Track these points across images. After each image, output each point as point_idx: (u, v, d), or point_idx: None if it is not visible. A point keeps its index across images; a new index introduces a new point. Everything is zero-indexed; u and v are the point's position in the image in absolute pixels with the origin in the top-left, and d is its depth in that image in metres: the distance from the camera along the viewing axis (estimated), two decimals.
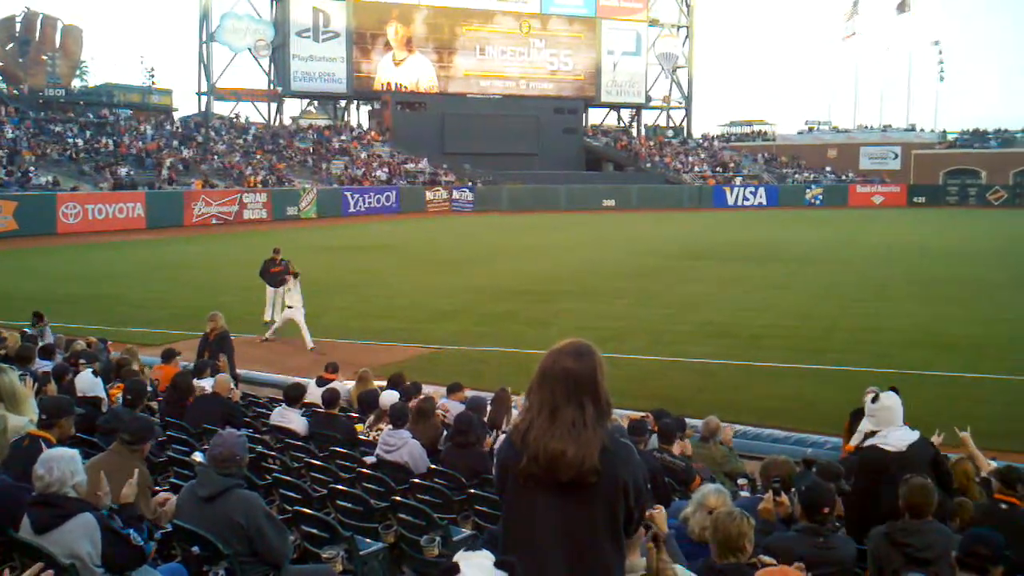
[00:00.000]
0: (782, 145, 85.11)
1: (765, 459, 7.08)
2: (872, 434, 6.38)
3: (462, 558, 2.84)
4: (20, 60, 60.57)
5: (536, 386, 3.45)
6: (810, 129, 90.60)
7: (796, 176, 78.17)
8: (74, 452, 5.16)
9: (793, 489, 6.28)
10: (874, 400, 6.51)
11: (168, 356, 12.83)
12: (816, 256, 35.21)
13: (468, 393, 11.43)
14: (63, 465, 4.91)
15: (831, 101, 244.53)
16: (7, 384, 6.91)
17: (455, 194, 64.64)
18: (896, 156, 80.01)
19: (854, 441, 6.80)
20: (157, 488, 6.80)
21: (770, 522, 5.63)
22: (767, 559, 5.04)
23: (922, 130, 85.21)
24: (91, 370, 9.65)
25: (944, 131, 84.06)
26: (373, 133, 73.90)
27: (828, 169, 79.76)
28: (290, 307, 19.22)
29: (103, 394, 9.43)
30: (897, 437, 6.19)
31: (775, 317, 22.10)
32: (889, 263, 33.18)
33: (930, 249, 37.79)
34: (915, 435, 6.30)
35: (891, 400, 6.44)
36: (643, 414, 9.81)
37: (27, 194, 44.73)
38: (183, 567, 5.57)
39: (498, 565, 2.82)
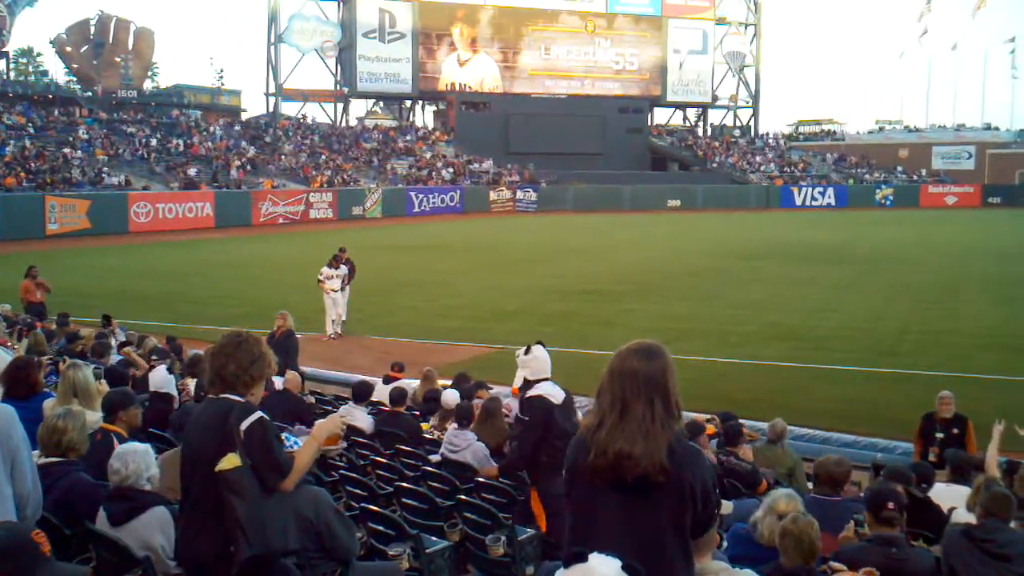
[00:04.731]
0: (851, 144, 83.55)
1: (818, 459, 6.81)
2: (529, 383, 7.21)
3: (593, 554, 2.91)
4: (94, 62, 62.00)
5: (606, 385, 3.45)
6: (880, 128, 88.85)
7: (866, 176, 76.76)
8: (146, 447, 5.24)
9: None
10: (527, 352, 7.27)
11: None
12: (886, 257, 34.56)
13: None
14: (138, 459, 5.01)
15: (902, 100, 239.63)
16: (80, 380, 6.99)
17: (519, 194, 64.72)
18: (970, 156, 78.11)
19: (516, 383, 7.56)
20: None
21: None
22: (837, 565, 4.96)
23: (998, 129, 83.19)
24: (165, 367, 9.81)
25: (1022, 130, 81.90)
26: (438, 133, 74.32)
27: (899, 169, 78.19)
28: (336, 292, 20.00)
29: (175, 392, 9.59)
30: (557, 391, 7.14)
31: (844, 319, 21.74)
32: (962, 264, 32.39)
33: (1005, 250, 36.86)
34: (563, 393, 7.20)
35: (541, 352, 7.28)
36: (709, 416, 9.72)
37: (100, 193, 45.86)
38: None
39: (625, 568, 2.87)
